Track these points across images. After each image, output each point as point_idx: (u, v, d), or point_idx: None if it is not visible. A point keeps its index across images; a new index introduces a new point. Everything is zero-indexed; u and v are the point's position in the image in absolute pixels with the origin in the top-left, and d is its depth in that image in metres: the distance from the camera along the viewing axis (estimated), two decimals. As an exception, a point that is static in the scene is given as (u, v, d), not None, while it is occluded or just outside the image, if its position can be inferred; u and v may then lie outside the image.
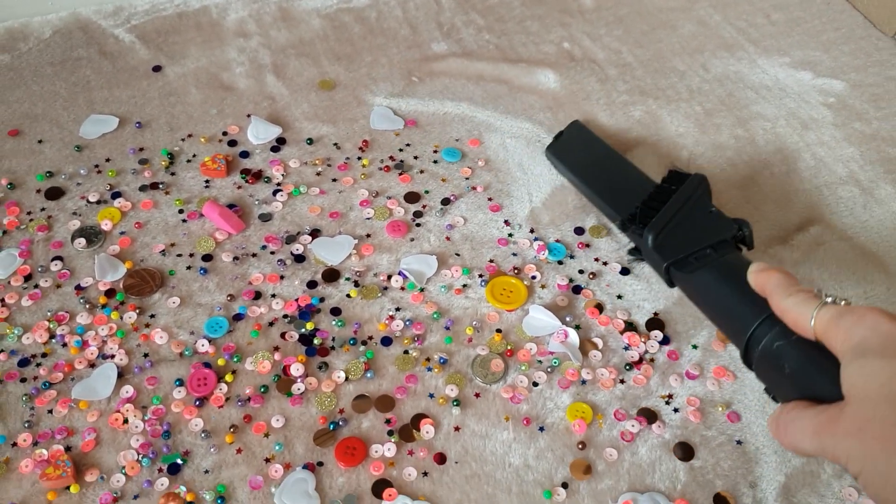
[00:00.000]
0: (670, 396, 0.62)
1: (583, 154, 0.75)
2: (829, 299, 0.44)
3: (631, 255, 0.70)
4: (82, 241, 0.68)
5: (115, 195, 0.72)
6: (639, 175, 0.70)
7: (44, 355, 0.61)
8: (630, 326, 0.66)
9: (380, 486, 0.56)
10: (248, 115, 0.80)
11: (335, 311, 0.65)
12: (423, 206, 0.73)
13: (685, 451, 0.59)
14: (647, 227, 0.62)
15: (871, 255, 0.72)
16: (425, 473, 0.57)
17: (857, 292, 0.69)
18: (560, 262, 0.70)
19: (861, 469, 0.39)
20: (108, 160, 0.75)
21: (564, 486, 0.57)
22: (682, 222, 0.62)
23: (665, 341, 0.65)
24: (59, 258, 0.67)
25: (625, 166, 0.72)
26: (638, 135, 0.81)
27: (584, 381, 0.62)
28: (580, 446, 0.59)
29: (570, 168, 0.74)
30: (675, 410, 0.61)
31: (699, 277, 0.57)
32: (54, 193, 0.72)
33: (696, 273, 0.57)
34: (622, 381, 0.62)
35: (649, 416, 0.60)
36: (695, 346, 0.65)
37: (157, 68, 0.84)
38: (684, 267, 0.59)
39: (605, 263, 0.70)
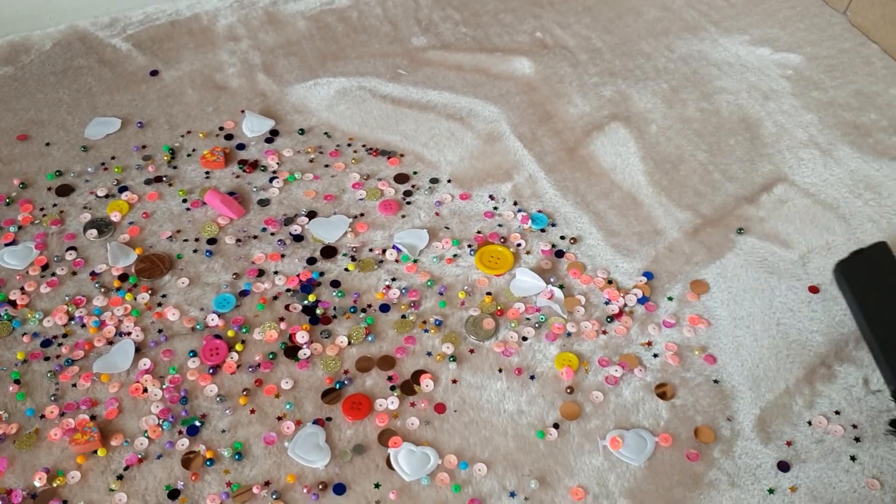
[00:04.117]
0: (649, 344, 0.67)
1: (880, 285, 0.62)
2: None
3: (893, 427, 0.60)
4: (94, 231, 0.73)
5: (122, 189, 0.77)
6: None
7: (65, 335, 0.66)
8: (610, 283, 0.71)
9: (385, 436, 0.60)
10: (242, 111, 0.85)
11: (335, 284, 0.70)
12: (413, 186, 0.78)
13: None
14: None
15: (832, 208, 0.77)
16: (427, 422, 0.61)
17: (819, 242, 0.74)
18: (543, 230, 0.75)
19: None
20: (113, 158, 0.79)
21: (556, 426, 0.61)
22: None
23: (642, 300, 0.70)
24: (73, 248, 0.72)
25: None
26: (609, 112, 0.86)
27: (569, 334, 0.67)
28: (568, 391, 0.63)
29: (856, 296, 0.62)
30: (655, 356, 0.66)
31: None
32: (64, 190, 0.76)
33: None
34: (604, 332, 0.67)
35: (630, 361, 0.65)
36: (670, 298, 0.70)
37: (154, 73, 0.89)
38: None
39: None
